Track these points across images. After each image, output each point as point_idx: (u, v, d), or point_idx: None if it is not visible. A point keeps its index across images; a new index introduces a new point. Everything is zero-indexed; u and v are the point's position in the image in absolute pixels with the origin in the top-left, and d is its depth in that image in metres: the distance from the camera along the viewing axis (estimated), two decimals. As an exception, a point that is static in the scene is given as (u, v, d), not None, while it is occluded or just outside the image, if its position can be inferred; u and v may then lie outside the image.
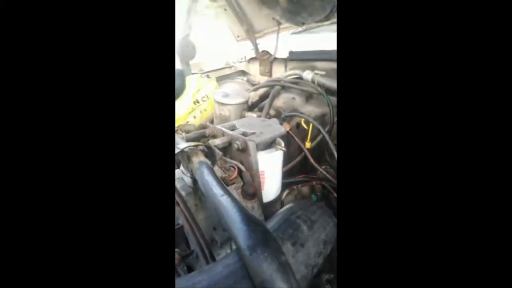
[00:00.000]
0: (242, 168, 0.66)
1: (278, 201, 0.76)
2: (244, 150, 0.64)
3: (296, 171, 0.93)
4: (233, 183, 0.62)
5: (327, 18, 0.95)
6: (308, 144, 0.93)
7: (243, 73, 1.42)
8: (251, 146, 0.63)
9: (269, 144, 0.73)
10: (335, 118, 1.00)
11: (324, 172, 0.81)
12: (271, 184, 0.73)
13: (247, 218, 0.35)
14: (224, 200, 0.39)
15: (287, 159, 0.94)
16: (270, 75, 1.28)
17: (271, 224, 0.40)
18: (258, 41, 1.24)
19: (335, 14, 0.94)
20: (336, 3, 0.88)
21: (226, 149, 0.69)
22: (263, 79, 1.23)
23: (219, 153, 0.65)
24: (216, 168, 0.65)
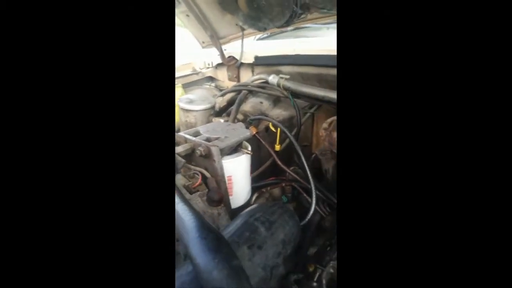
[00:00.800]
0: (207, 174, 0.65)
1: (248, 206, 0.76)
2: (207, 156, 0.63)
3: (267, 174, 0.93)
4: (198, 191, 0.60)
5: (287, 23, 0.98)
6: (277, 147, 0.94)
7: (211, 79, 1.41)
8: (215, 151, 0.62)
9: (235, 149, 0.73)
10: (302, 120, 1.03)
11: (292, 174, 0.82)
12: (239, 189, 0.72)
13: (200, 225, 0.34)
14: (179, 209, 0.38)
15: (258, 163, 0.94)
16: (238, 81, 1.29)
17: (228, 229, 0.39)
18: (223, 46, 1.24)
19: (295, 20, 0.98)
20: (295, 9, 0.91)
21: (190, 156, 0.67)
22: (232, 85, 1.23)
23: (181, 160, 0.63)
24: (179, 176, 0.63)
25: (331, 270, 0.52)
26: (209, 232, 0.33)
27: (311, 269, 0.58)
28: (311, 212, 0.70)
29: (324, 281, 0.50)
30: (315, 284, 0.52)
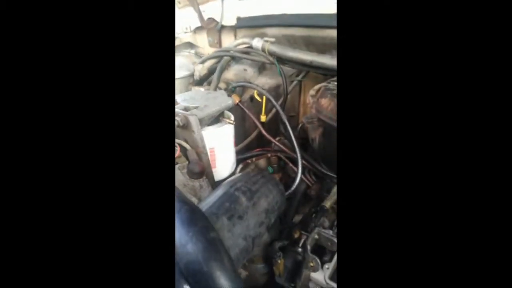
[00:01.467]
0: (187, 146, 0.61)
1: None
2: (185, 126, 0.58)
3: (253, 145, 0.91)
4: (177, 163, 0.56)
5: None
6: (263, 117, 0.90)
7: (190, 45, 1.29)
8: (193, 121, 0.57)
9: (217, 118, 0.68)
10: (289, 89, 0.98)
11: (278, 144, 0.80)
12: (223, 161, 0.69)
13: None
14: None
15: (243, 134, 0.91)
16: (220, 46, 1.19)
17: (207, 200, 0.37)
18: (202, 7, 1.11)
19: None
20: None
21: (167, 127, 0.62)
22: (213, 51, 1.13)
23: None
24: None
25: (316, 236, 0.52)
26: (183, 204, 0.30)
27: (296, 235, 0.59)
28: (297, 181, 0.69)
29: (308, 247, 0.51)
30: (299, 249, 0.53)
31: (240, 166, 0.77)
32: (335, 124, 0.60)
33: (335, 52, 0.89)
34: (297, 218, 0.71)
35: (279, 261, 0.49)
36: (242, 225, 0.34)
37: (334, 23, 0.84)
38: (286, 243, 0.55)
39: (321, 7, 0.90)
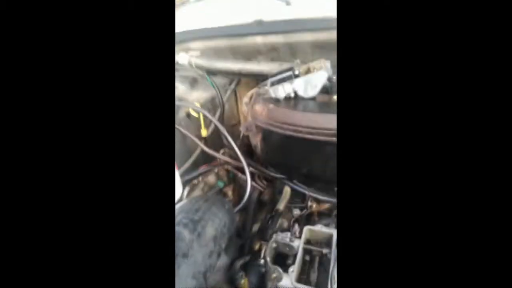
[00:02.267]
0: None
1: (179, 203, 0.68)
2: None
3: (200, 162, 0.86)
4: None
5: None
6: (204, 132, 0.87)
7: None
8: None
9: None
10: (225, 99, 0.97)
11: (222, 157, 0.78)
12: (165, 189, 0.63)
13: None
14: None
15: (187, 152, 0.85)
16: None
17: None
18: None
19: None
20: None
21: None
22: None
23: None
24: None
25: (274, 245, 0.52)
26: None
27: (256, 247, 0.58)
28: (248, 190, 0.68)
29: (268, 258, 0.50)
30: (261, 262, 0.52)
31: (187, 189, 0.72)
32: (271, 128, 0.62)
33: (260, 58, 0.93)
34: (256, 226, 0.70)
35: (242, 281, 0.47)
36: (188, 264, 0.30)
37: (255, 30, 0.88)
38: (247, 259, 0.53)
39: (241, 17, 0.93)
